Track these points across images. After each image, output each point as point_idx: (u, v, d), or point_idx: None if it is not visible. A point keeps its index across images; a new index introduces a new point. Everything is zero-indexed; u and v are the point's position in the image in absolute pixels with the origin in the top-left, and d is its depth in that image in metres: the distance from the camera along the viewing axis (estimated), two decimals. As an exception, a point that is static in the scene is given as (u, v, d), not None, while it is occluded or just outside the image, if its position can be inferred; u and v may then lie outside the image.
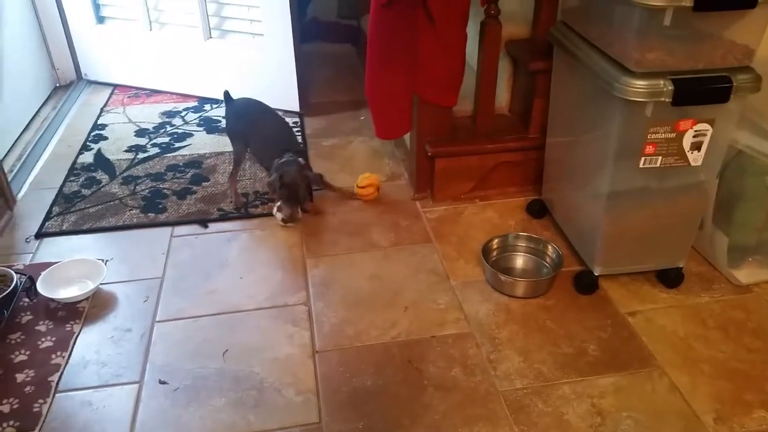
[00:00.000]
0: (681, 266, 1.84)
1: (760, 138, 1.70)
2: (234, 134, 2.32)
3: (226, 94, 2.33)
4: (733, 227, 1.84)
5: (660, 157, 1.60)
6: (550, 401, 1.51)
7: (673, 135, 1.57)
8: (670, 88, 1.48)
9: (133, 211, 2.21)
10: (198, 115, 2.91)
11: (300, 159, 2.12)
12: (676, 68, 1.51)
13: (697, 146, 1.60)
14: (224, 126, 2.61)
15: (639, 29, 1.48)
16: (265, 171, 2.23)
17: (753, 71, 1.52)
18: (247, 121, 2.27)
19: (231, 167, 2.33)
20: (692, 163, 1.62)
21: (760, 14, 1.46)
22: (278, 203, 2.07)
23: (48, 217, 2.18)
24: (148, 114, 2.92)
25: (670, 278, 1.85)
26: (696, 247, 1.95)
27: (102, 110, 2.95)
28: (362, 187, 2.26)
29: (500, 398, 1.52)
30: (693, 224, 1.78)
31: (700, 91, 1.51)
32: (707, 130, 1.57)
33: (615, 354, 1.64)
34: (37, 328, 1.72)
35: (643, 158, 1.60)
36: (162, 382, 1.57)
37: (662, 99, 1.49)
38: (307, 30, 3.45)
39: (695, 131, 1.57)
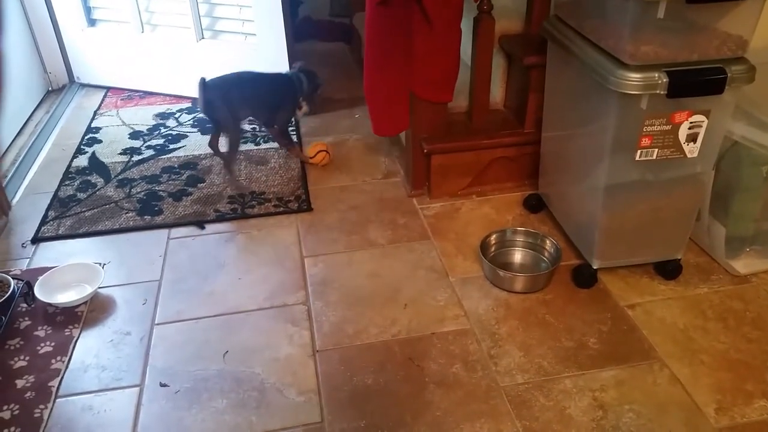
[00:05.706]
0: (679, 258, 1.84)
1: (756, 128, 1.70)
2: (219, 117, 2.28)
3: (202, 81, 2.16)
4: (730, 218, 1.84)
5: (656, 150, 1.61)
6: (551, 395, 1.51)
7: (669, 127, 1.57)
8: (665, 80, 1.48)
9: (129, 214, 2.21)
10: (192, 116, 2.90)
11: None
12: (671, 60, 1.51)
13: (692, 138, 1.60)
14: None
15: (633, 22, 1.48)
16: (275, 127, 2.45)
17: (747, 62, 1.52)
18: (234, 93, 2.25)
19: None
20: (688, 155, 1.63)
21: (753, 5, 1.47)
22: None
23: (44, 221, 2.17)
24: (142, 116, 2.91)
25: (669, 270, 1.85)
26: (694, 239, 1.96)
27: (95, 113, 2.94)
28: (312, 157, 2.46)
29: (502, 393, 1.52)
30: (690, 216, 1.79)
31: (695, 82, 1.51)
32: (703, 121, 1.58)
33: (615, 347, 1.64)
34: (35, 333, 1.71)
35: (639, 151, 1.61)
36: (163, 385, 1.56)
37: (657, 91, 1.49)
38: (299, 29, 3.45)
39: (691, 123, 1.58)
